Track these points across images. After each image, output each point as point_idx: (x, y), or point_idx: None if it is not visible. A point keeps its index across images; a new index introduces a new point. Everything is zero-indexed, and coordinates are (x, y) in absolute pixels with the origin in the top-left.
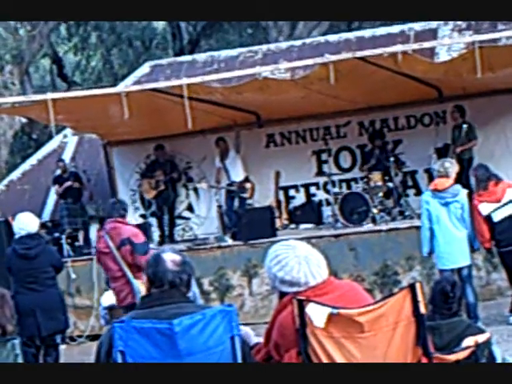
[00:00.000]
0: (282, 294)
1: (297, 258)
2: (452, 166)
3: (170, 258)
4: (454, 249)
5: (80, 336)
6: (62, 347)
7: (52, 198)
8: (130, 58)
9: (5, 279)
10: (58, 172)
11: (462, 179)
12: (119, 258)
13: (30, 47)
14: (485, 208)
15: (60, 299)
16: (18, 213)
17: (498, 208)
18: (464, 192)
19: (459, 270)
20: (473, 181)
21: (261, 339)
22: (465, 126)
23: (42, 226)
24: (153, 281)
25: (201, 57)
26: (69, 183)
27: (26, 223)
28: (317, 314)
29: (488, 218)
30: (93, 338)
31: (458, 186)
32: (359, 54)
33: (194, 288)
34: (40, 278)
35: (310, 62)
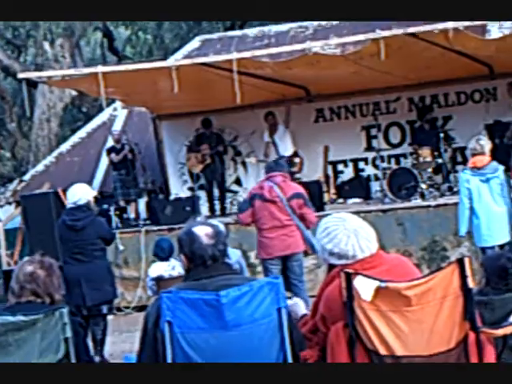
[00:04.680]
0: (331, 267)
1: (346, 230)
2: (487, 144)
3: (203, 232)
4: (495, 226)
5: (127, 307)
6: (110, 318)
7: (101, 170)
8: (181, 32)
9: (53, 249)
10: (112, 143)
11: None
12: (288, 207)
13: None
14: None
15: (107, 270)
16: (67, 185)
17: None
18: (501, 168)
19: (500, 246)
20: None
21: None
22: None
23: None
24: (192, 258)
25: (251, 31)
26: (125, 152)
27: (75, 194)
28: (364, 287)
29: None
30: (140, 308)
31: (495, 163)
32: (410, 30)
33: (241, 260)
34: (87, 249)
35: (360, 37)
